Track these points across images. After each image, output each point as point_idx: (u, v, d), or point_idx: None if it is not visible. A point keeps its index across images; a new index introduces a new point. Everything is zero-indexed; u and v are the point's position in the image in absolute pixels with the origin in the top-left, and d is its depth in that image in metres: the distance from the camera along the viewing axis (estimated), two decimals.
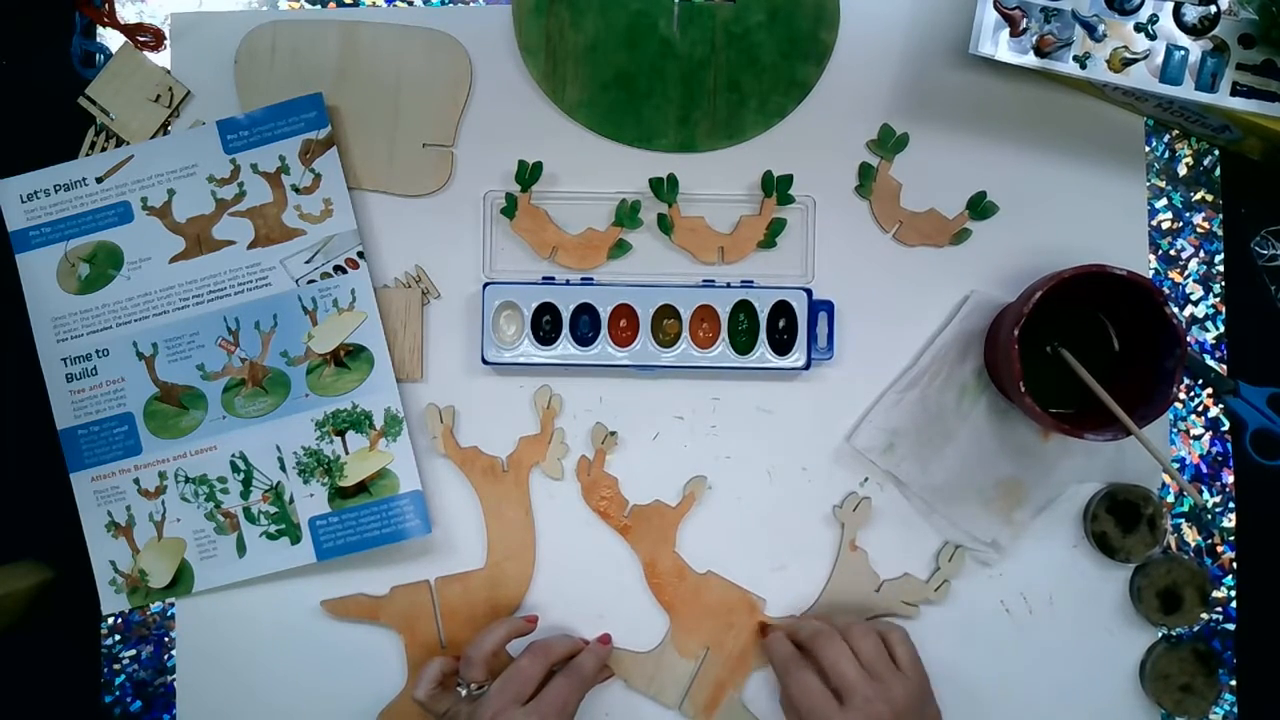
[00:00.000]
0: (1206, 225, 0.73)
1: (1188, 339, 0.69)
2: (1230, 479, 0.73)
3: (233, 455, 0.72)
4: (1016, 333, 0.64)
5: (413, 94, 0.73)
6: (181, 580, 0.72)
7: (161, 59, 0.74)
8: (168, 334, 0.72)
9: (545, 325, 0.72)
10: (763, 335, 0.71)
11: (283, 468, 0.72)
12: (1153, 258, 0.73)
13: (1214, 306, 0.73)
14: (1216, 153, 0.73)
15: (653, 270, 0.73)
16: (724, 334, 0.71)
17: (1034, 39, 0.66)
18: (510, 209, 0.73)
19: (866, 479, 0.73)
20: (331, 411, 0.72)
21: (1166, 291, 0.73)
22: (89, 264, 0.72)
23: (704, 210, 0.73)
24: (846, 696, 0.62)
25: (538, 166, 0.72)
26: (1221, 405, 0.73)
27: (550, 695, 0.65)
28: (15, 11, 0.75)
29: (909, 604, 0.72)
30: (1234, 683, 0.72)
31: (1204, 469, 0.73)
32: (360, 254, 0.72)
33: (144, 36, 0.73)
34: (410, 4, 0.74)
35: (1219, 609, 0.73)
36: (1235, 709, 0.72)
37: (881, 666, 0.63)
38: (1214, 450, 0.73)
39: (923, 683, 0.65)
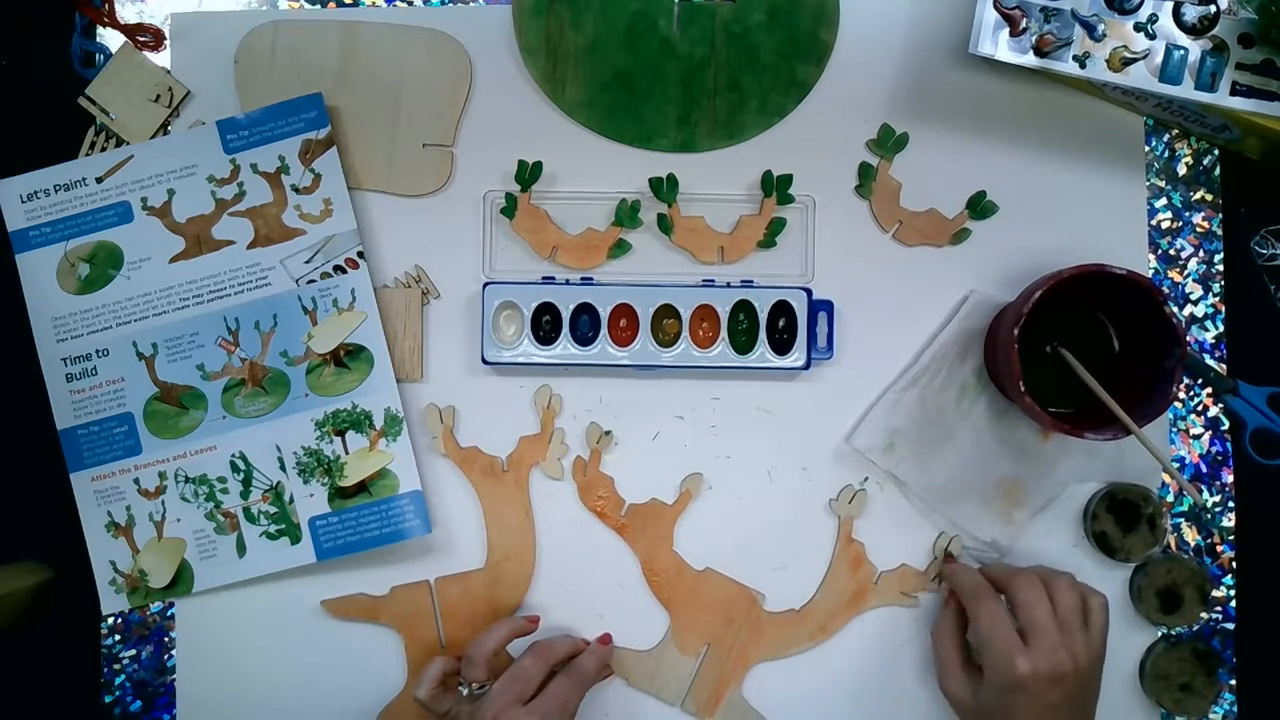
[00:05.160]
0: (1206, 225, 0.73)
1: (1187, 339, 0.69)
2: (1230, 478, 0.73)
3: (233, 455, 0.72)
4: (1016, 332, 0.64)
5: (413, 94, 0.73)
6: (181, 580, 0.72)
7: (161, 59, 0.74)
8: (168, 334, 0.72)
9: (545, 325, 0.72)
10: (762, 335, 0.71)
11: (283, 468, 0.72)
12: (1152, 257, 0.73)
13: (1214, 306, 0.73)
14: (1216, 152, 0.73)
15: (653, 270, 0.73)
16: (724, 334, 0.71)
17: (1034, 39, 0.66)
18: (510, 209, 0.73)
19: (867, 478, 0.73)
20: (331, 411, 0.72)
21: (1166, 291, 0.73)
22: (89, 264, 0.72)
23: (704, 210, 0.73)
24: (1033, 638, 0.61)
25: (538, 166, 0.72)
26: (1221, 405, 0.73)
27: (551, 695, 0.65)
28: (15, 11, 0.75)
29: (906, 594, 0.72)
30: (1233, 682, 0.72)
31: (1204, 468, 0.73)
32: (360, 254, 0.72)
33: (144, 36, 0.73)
34: (410, 4, 0.74)
35: (1218, 608, 0.73)
36: (1235, 708, 0.72)
37: (1075, 622, 0.63)
38: (1214, 450, 0.73)
39: (1102, 654, 0.64)
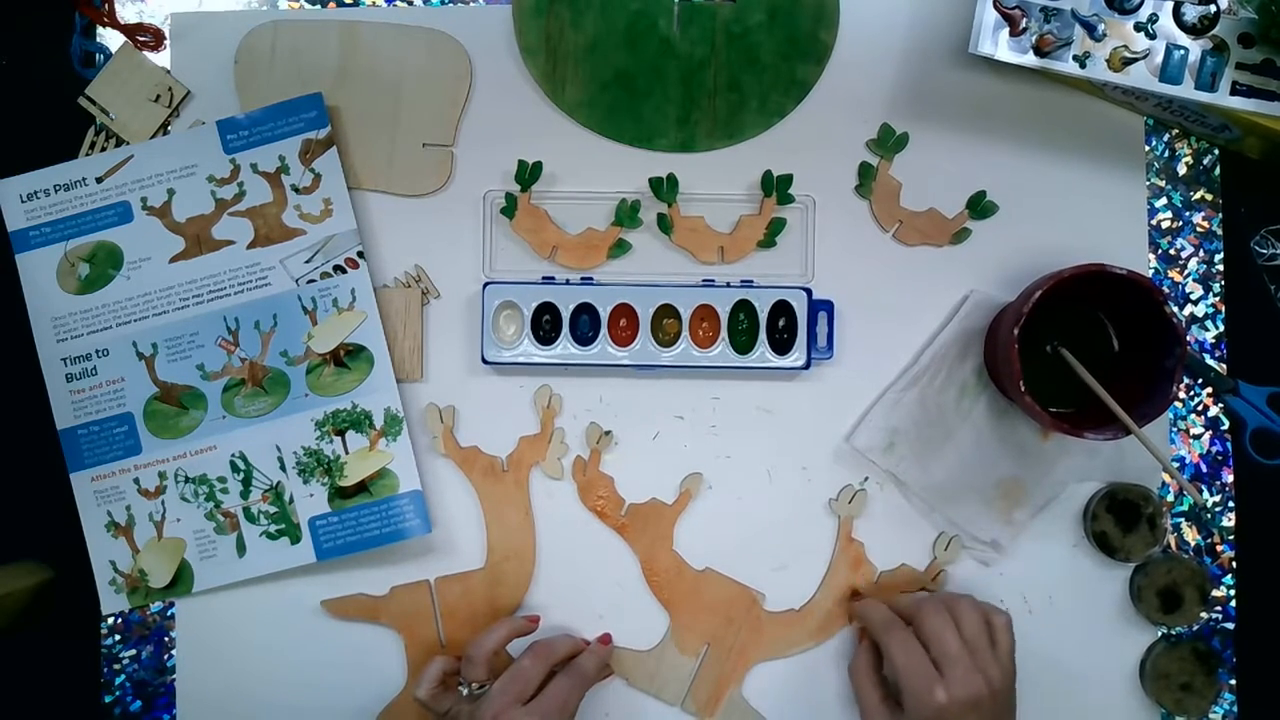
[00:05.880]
0: (1206, 224, 0.73)
1: (1187, 338, 0.69)
2: (1230, 478, 0.73)
3: (232, 455, 0.72)
4: (1016, 332, 0.64)
5: (413, 94, 0.73)
6: (181, 580, 0.72)
7: (161, 59, 0.74)
8: (168, 334, 0.72)
9: (545, 325, 0.72)
10: (763, 335, 0.71)
11: (283, 468, 0.72)
12: (1152, 257, 0.73)
13: (1214, 306, 0.73)
14: (1216, 152, 0.73)
15: (653, 270, 0.73)
16: (724, 334, 0.71)
17: (1034, 38, 0.66)
18: (510, 209, 0.73)
19: (867, 478, 0.73)
20: (331, 411, 0.72)
21: (1166, 291, 0.73)
22: (89, 264, 0.72)
23: (704, 210, 0.73)
24: (946, 667, 0.62)
25: (538, 166, 0.72)
26: (1221, 404, 0.73)
27: (551, 695, 0.65)
28: (15, 11, 0.75)
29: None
30: (1233, 682, 0.72)
31: (1204, 468, 0.73)
32: (360, 254, 0.72)
33: (144, 36, 0.73)
34: (410, 4, 0.74)
35: (1218, 608, 0.73)
36: (1235, 708, 0.72)
37: (982, 645, 0.63)
38: (1214, 449, 0.73)
39: (1013, 673, 0.64)
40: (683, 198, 0.73)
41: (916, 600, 0.67)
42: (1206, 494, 0.73)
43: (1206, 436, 0.73)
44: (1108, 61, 0.66)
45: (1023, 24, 0.66)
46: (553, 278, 0.73)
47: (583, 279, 0.73)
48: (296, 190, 0.72)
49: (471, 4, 0.74)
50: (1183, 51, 0.65)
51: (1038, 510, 0.72)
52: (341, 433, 0.72)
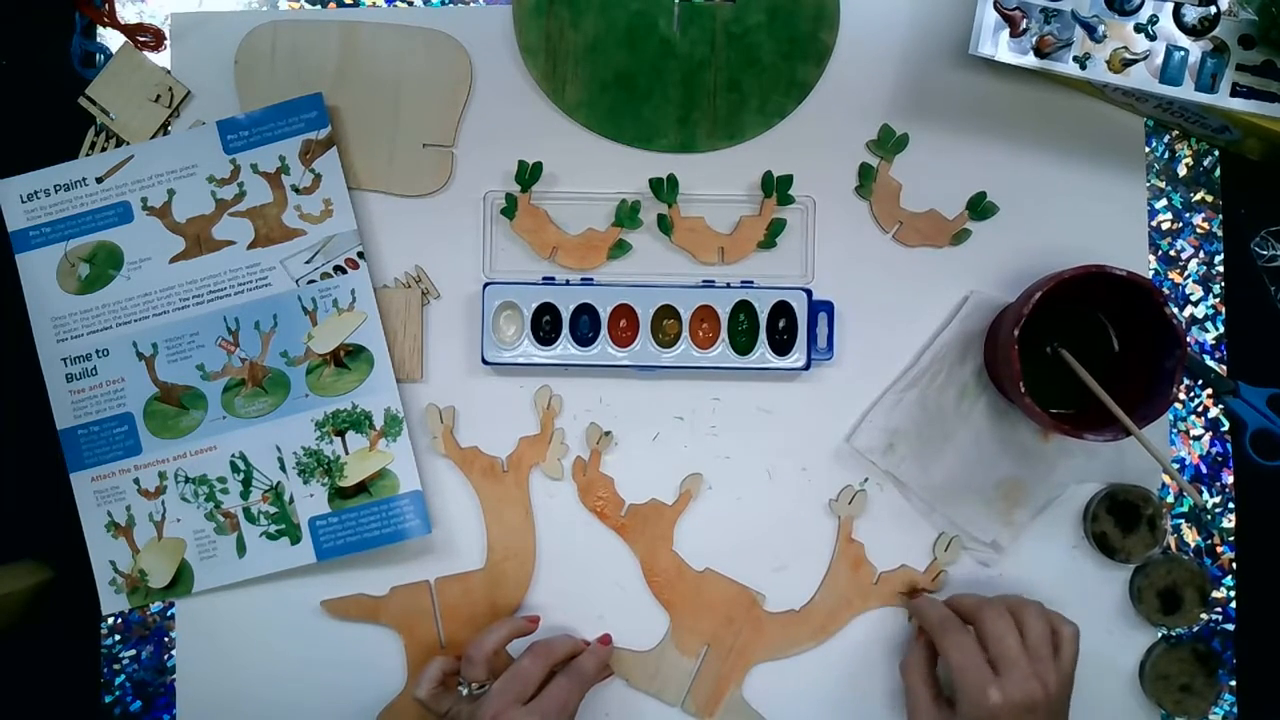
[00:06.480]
0: (1206, 226, 0.73)
1: (1188, 339, 0.69)
2: (1230, 479, 0.73)
3: (233, 455, 0.72)
4: (1016, 333, 0.64)
5: (413, 94, 0.73)
6: (181, 580, 0.72)
7: (161, 59, 0.74)
8: (168, 334, 0.72)
9: (545, 325, 0.72)
10: (763, 335, 0.71)
11: (283, 468, 0.72)
12: (1153, 258, 0.73)
13: (1214, 307, 0.73)
14: (1216, 153, 0.73)
15: (653, 270, 0.73)
16: (724, 334, 0.71)
17: (1034, 39, 0.66)
18: (510, 209, 0.73)
19: (867, 479, 0.73)
20: (331, 411, 0.72)
21: (1166, 292, 0.73)
22: (89, 264, 0.72)
23: (704, 210, 0.73)
24: (1004, 669, 0.61)
25: (538, 166, 0.72)
26: (1221, 406, 0.73)
27: (551, 695, 0.65)
28: (15, 11, 0.75)
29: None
30: (1234, 683, 0.72)
31: (1204, 469, 0.73)
32: (360, 254, 0.72)
33: (144, 36, 0.73)
34: (410, 4, 0.74)
35: (1218, 609, 0.73)
36: (1235, 709, 0.72)
37: (1045, 652, 0.62)
38: (1214, 451, 0.73)
39: (1070, 684, 0.63)
40: (683, 198, 0.73)
41: (979, 601, 0.66)
42: (1206, 495, 0.73)
43: (1206, 438, 0.73)
44: (1108, 63, 0.66)
45: (1023, 25, 0.66)
46: (553, 278, 0.73)
47: (583, 279, 0.73)
48: (297, 190, 0.72)
49: (471, 4, 0.74)
50: (1183, 53, 0.65)
51: (1038, 511, 0.72)
52: (341, 433, 0.72)
